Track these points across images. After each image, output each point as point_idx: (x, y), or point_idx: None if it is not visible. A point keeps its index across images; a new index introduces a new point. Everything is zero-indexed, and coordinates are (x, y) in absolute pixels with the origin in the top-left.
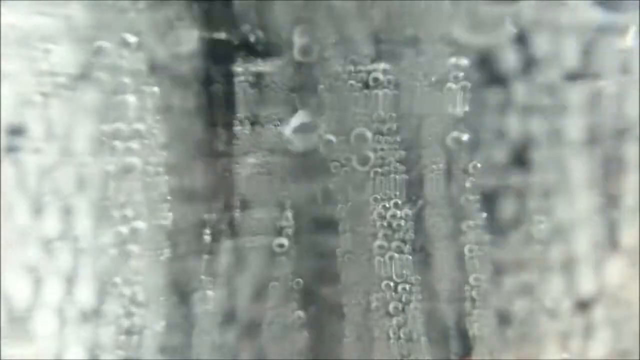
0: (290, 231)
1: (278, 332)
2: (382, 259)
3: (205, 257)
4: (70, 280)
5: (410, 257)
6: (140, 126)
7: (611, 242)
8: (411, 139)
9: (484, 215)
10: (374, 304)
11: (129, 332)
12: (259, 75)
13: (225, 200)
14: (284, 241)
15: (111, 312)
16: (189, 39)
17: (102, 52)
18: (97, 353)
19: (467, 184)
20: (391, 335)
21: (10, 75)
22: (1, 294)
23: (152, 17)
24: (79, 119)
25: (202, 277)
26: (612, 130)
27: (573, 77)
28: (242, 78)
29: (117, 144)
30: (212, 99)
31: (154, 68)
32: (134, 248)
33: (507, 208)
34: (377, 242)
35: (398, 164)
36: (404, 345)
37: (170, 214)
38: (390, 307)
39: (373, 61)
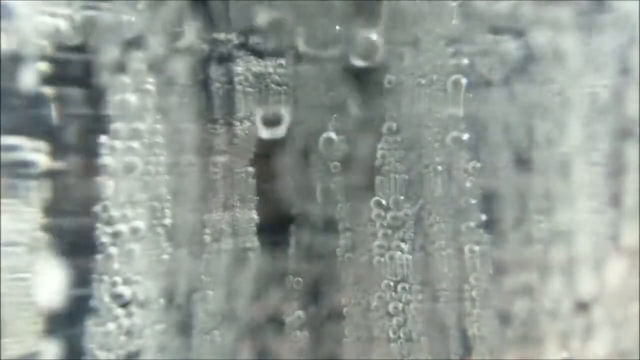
0: (290, 231)
1: (278, 332)
2: (382, 259)
3: (205, 257)
4: (72, 280)
5: (410, 257)
6: (140, 126)
7: (611, 242)
8: (411, 139)
9: (484, 215)
10: (374, 304)
11: (129, 332)
12: (259, 75)
13: (225, 200)
14: (284, 241)
15: (111, 312)
16: (189, 38)
17: (103, 52)
18: (97, 353)
19: (467, 184)
20: (391, 335)
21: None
22: (0, 294)
23: (152, 17)
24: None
25: (202, 277)
26: (612, 130)
27: (572, 76)
28: (242, 78)
29: (117, 143)
30: (212, 99)
31: (154, 68)
32: (134, 248)
33: (507, 208)
34: (377, 242)
35: (398, 164)
36: (404, 345)
37: (170, 214)
38: (390, 307)
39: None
